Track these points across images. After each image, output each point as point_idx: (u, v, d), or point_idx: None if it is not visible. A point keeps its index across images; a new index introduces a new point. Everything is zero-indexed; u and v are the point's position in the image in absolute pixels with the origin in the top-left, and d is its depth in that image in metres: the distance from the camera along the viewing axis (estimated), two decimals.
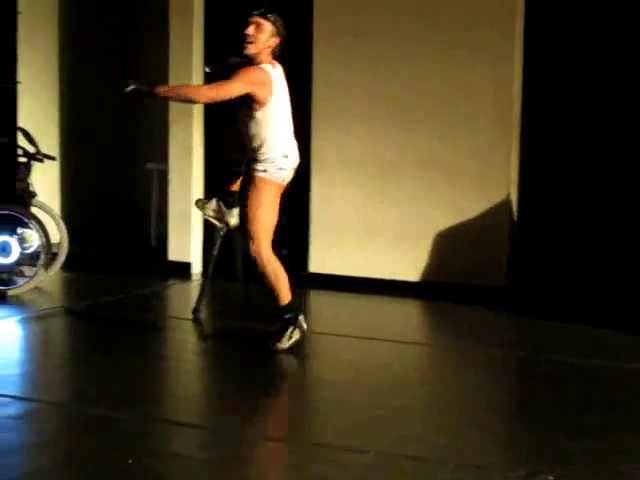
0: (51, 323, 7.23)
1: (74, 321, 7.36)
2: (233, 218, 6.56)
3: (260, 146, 6.01)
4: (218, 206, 6.64)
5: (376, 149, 8.26)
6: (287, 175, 6.12)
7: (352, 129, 8.32)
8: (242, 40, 5.95)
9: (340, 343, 6.61)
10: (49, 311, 7.49)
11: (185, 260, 8.80)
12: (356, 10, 8.22)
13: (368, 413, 5.01)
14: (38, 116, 9.57)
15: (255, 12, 6.02)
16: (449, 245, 8.11)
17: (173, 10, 8.71)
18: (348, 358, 6.24)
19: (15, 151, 8.28)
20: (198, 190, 8.74)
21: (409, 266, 8.21)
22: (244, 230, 6.15)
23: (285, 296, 6.11)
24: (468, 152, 8.01)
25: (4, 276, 8.01)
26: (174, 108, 8.66)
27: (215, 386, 5.64)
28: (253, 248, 6.08)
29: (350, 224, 8.36)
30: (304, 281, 8.35)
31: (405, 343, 6.61)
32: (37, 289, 7.98)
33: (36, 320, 7.26)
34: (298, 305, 6.29)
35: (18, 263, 8.02)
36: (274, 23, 6.01)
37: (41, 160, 8.35)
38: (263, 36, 5.97)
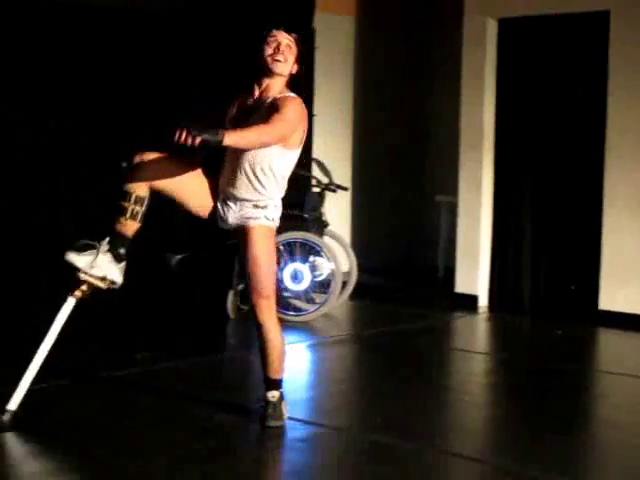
0: (338, 350, 7.37)
1: (361, 349, 7.48)
2: (120, 276, 5.00)
3: (275, 191, 4.99)
4: (101, 261, 4.91)
5: None
6: None
7: None
8: (272, 55, 4.87)
9: (631, 384, 6.36)
10: (337, 338, 7.64)
11: (472, 293, 8.75)
12: None
13: None
14: (332, 147, 9.83)
15: (283, 30, 4.94)
16: None
17: (465, 67, 8.71)
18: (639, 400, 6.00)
19: (310, 181, 8.55)
20: (487, 224, 8.69)
21: None
22: (252, 288, 4.96)
23: (284, 368, 5.15)
24: None
25: (295, 303, 8.27)
26: (464, 141, 8.67)
27: (499, 420, 5.55)
28: (267, 308, 4.98)
29: None
30: (594, 318, 8.11)
31: None
32: (326, 316, 8.17)
33: (324, 346, 7.43)
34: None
35: (309, 290, 8.25)
36: (299, 47, 4.96)
37: (334, 190, 8.58)
38: (291, 58, 4.92)
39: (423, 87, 10.78)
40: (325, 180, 8.52)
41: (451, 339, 8.09)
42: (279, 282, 8.12)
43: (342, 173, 9.73)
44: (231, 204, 4.99)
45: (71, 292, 4.96)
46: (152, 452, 4.67)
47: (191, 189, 5.00)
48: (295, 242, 8.13)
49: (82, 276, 4.90)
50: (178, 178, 4.93)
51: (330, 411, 5.60)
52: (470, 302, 8.68)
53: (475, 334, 8.25)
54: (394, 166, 10.67)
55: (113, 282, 4.97)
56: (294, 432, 5.09)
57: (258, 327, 5.01)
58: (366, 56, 10.33)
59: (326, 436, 5.10)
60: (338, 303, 8.42)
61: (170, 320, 7.74)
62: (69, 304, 4.95)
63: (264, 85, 4.92)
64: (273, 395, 5.08)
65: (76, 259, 4.88)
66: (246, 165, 4.87)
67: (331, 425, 5.24)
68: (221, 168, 5.03)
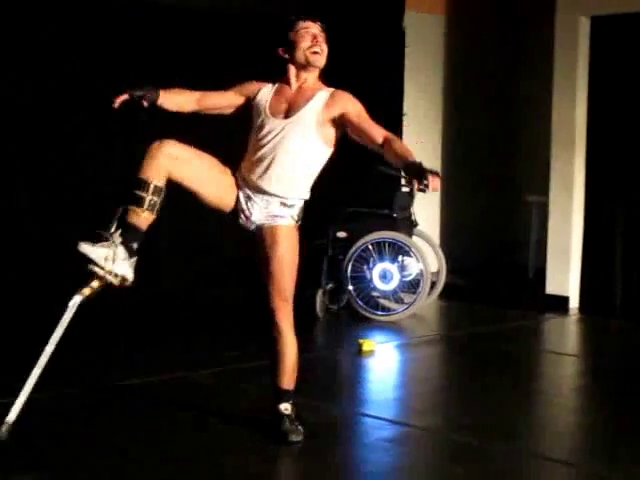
0: (427, 350, 7.35)
1: (449, 349, 7.44)
2: (131, 272, 4.52)
3: (306, 190, 4.77)
4: (116, 254, 4.44)
5: None
6: None
7: None
8: (310, 48, 4.68)
9: None
10: (425, 338, 7.62)
11: (563, 294, 8.65)
12: None
13: None
14: (421, 147, 9.78)
15: (311, 19, 4.76)
16: None
17: (557, 65, 8.60)
18: None
19: (399, 181, 8.53)
20: (578, 224, 8.58)
21: None
22: (273, 289, 4.78)
23: (295, 379, 4.90)
24: None
25: (384, 302, 8.26)
26: (556, 141, 8.57)
27: (590, 424, 5.48)
28: (286, 312, 4.84)
29: None
30: None
31: None
32: (415, 316, 8.16)
33: (413, 346, 7.41)
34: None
35: (398, 290, 8.24)
36: (326, 34, 4.78)
37: (423, 190, 8.53)
38: (326, 47, 4.73)
39: (514, 86, 10.69)
40: None
41: (541, 341, 8.00)
42: (368, 282, 8.15)
43: None
44: (257, 199, 4.69)
45: (79, 289, 4.48)
46: (243, 450, 4.71)
47: (214, 183, 4.67)
48: (384, 242, 8.13)
49: (95, 269, 4.40)
50: (202, 170, 4.61)
51: (417, 411, 5.59)
52: (561, 303, 8.59)
53: (566, 336, 8.16)
54: (484, 165, 10.60)
55: (125, 279, 4.49)
56: (381, 432, 5.09)
57: (275, 334, 4.80)
58: (456, 55, 10.28)
59: (413, 436, 5.09)
60: (427, 303, 8.40)
61: (258, 319, 7.78)
62: (74, 303, 4.46)
63: (302, 77, 4.72)
64: (286, 408, 4.82)
65: (90, 250, 4.39)
66: (290, 159, 4.63)
67: (418, 425, 5.23)
68: (244, 161, 4.75)
